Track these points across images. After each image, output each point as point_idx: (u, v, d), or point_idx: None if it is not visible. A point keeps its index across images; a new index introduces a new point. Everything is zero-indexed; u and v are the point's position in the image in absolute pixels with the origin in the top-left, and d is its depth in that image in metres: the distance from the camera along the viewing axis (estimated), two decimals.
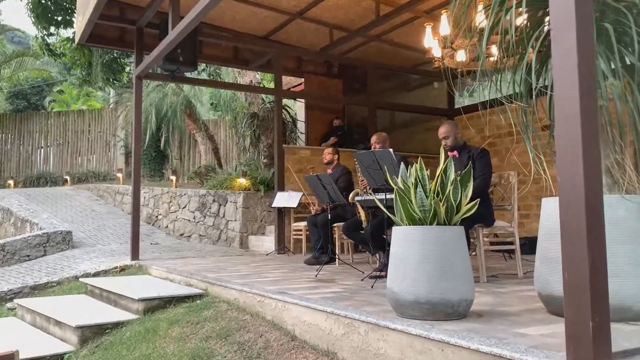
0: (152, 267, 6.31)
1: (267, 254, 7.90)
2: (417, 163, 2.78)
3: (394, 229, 2.77)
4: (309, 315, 3.18)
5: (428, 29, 5.97)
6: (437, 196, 2.67)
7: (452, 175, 2.67)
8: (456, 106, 10.37)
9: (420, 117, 10.49)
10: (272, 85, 11.51)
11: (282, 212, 8.21)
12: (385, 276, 4.56)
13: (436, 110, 10.20)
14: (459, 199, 2.66)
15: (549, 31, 2.69)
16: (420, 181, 2.72)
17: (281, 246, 8.08)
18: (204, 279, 4.81)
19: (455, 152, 4.62)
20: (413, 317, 2.63)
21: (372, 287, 3.96)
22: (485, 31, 2.86)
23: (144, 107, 11.39)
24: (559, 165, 1.85)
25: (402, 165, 2.92)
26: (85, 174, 16.03)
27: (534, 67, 2.74)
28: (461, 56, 6.01)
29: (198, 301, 4.54)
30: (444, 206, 2.62)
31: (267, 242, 8.59)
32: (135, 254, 7.14)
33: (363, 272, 5.04)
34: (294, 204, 7.87)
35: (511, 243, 4.55)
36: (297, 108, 11.39)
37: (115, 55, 13.93)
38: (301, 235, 7.90)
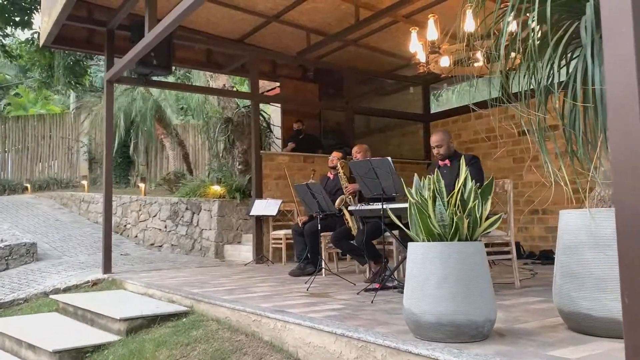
0: (128, 281, 5.99)
1: (246, 264, 7.65)
2: (433, 174, 2.62)
3: (411, 245, 2.60)
4: (315, 337, 2.98)
5: (413, 34, 5.86)
6: (457, 209, 2.52)
7: (472, 188, 2.52)
8: (432, 111, 10.37)
9: (396, 122, 10.41)
10: (244, 90, 11.26)
11: (260, 220, 7.97)
12: (380, 288, 4.43)
13: (413, 116, 10.14)
14: (480, 212, 2.52)
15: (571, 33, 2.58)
16: (438, 193, 2.57)
17: (260, 256, 7.84)
18: (188, 295, 4.55)
19: (447, 161, 4.51)
20: (434, 340, 2.47)
21: (372, 302, 3.78)
22: (503, 31, 2.72)
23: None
24: (616, 178, 1.71)
25: (416, 176, 2.76)
26: (47, 181, 15.35)
27: (557, 65, 2.60)
28: (445, 62, 5.94)
29: (184, 319, 4.28)
30: (467, 220, 2.47)
31: (244, 251, 8.33)
32: (107, 267, 6.79)
33: (354, 284, 4.87)
34: (273, 212, 7.65)
35: (507, 252, 4.46)
36: (271, 112, 11.16)
37: (78, 57, 13.41)
38: (281, 244, 7.68)
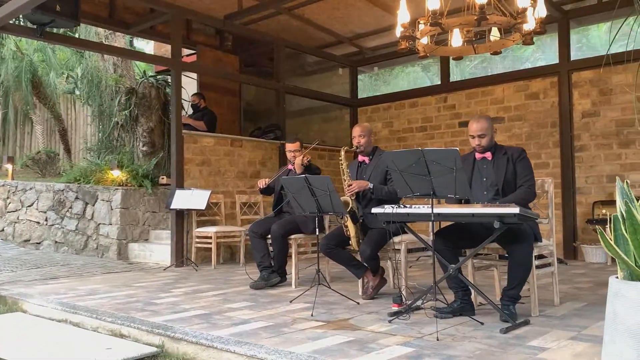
0: (26, 300, 4.41)
1: (165, 269, 6.26)
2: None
3: (626, 284, 1.73)
4: None
5: (403, 1, 4.96)
6: None
7: None
8: (360, 96, 9.59)
9: (319, 105, 9.48)
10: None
11: (181, 214, 6.60)
12: (405, 311, 3.53)
13: (340, 99, 9.30)
14: None
15: None
16: None
17: (181, 259, 6.49)
18: (154, 329, 3.25)
19: (487, 154, 3.72)
20: None
21: (437, 339, 2.86)
22: None
23: None
24: None
25: (618, 180, 1.89)
26: None
27: None
28: (424, 40, 5.17)
29: None
30: None
31: (156, 251, 6.88)
32: None
33: (358, 303, 3.92)
34: (202, 206, 6.35)
35: (549, 264, 3.79)
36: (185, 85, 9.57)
37: None
38: (210, 243, 6.41)
